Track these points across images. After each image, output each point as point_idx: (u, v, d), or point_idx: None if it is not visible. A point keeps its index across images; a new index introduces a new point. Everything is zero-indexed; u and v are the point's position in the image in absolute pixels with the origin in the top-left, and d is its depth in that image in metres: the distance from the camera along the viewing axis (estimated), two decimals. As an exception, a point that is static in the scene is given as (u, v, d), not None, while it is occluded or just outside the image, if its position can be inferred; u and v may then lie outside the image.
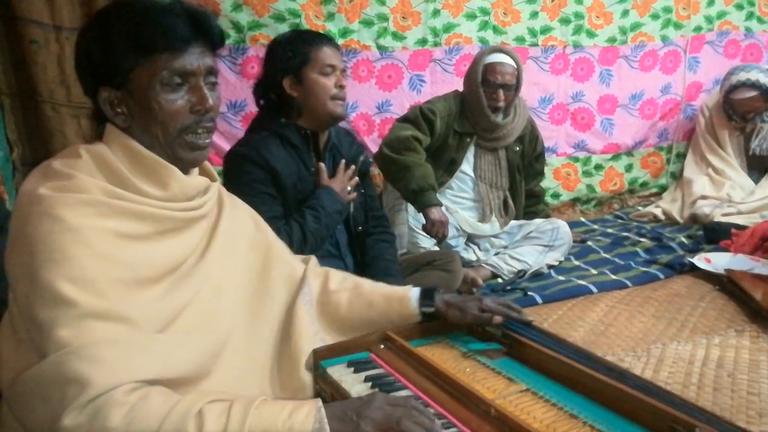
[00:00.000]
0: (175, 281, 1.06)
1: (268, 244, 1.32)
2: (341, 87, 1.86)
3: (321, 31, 2.82)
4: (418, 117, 2.54)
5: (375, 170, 2.96)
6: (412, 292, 1.34)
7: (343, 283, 1.38)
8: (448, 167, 2.65)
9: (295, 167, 1.85)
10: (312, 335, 1.25)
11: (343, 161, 1.94)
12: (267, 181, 1.80)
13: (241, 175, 1.79)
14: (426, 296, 1.32)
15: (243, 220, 1.30)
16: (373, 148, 2.97)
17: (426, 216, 2.34)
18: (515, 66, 2.59)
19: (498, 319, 1.26)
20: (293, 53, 1.82)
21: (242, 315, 1.20)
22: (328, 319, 1.33)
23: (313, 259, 1.43)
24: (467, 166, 2.68)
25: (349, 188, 1.91)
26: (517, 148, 2.72)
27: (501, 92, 2.55)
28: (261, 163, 1.79)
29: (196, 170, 1.16)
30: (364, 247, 2.04)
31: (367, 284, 1.39)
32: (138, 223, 1.01)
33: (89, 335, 0.88)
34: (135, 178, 1.02)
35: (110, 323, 0.91)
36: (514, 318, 1.29)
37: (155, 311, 0.99)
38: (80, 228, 0.93)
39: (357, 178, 1.97)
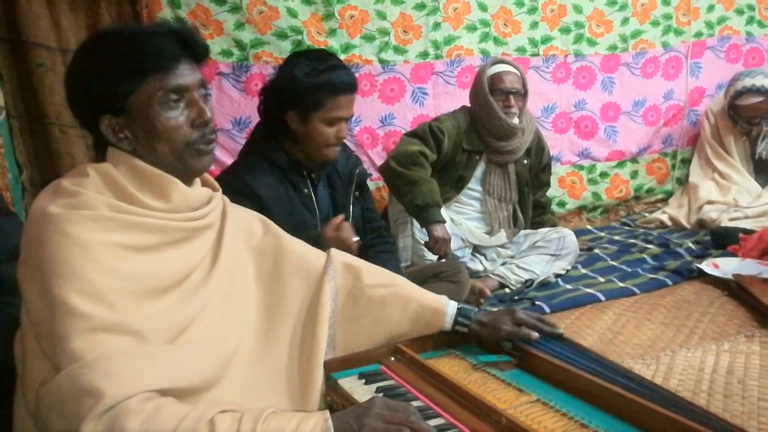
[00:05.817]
0: (184, 293, 1.08)
1: (277, 243, 1.31)
2: (340, 138, 1.84)
3: (323, 47, 2.89)
4: (427, 133, 2.54)
5: (380, 182, 2.98)
6: (449, 308, 1.33)
7: (377, 278, 1.37)
8: (455, 184, 2.65)
9: (283, 191, 1.83)
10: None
11: (342, 216, 1.86)
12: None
13: None
14: (462, 314, 1.32)
15: (250, 224, 1.32)
16: (378, 161, 2.99)
17: (429, 232, 2.33)
18: (519, 73, 2.62)
19: (535, 335, 1.25)
20: (308, 95, 1.76)
21: (255, 321, 1.22)
22: (359, 312, 1.32)
23: (334, 249, 1.41)
24: (475, 182, 2.68)
25: (354, 239, 1.79)
26: (525, 162, 2.72)
27: (512, 98, 2.56)
28: (244, 191, 1.74)
29: (198, 182, 1.19)
30: (366, 260, 2.02)
31: (404, 285, 1.38)
32: (144, 235, 1.04)
33: (101, 348, 0.91)
34: (139, 192, 1.06)
35: (120, 336, 0.94)
36: (546, 332, 1.29)
37: (164, 322, 1.01)
38: (87, 243, 0.96)
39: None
